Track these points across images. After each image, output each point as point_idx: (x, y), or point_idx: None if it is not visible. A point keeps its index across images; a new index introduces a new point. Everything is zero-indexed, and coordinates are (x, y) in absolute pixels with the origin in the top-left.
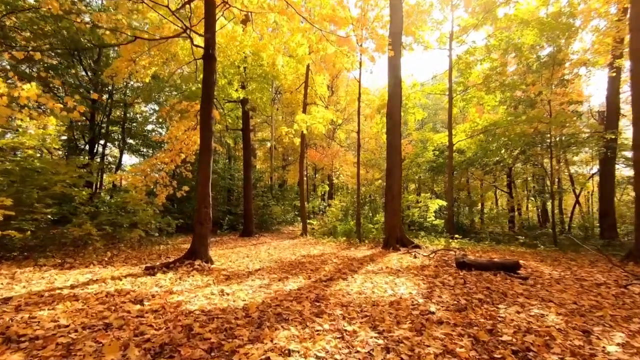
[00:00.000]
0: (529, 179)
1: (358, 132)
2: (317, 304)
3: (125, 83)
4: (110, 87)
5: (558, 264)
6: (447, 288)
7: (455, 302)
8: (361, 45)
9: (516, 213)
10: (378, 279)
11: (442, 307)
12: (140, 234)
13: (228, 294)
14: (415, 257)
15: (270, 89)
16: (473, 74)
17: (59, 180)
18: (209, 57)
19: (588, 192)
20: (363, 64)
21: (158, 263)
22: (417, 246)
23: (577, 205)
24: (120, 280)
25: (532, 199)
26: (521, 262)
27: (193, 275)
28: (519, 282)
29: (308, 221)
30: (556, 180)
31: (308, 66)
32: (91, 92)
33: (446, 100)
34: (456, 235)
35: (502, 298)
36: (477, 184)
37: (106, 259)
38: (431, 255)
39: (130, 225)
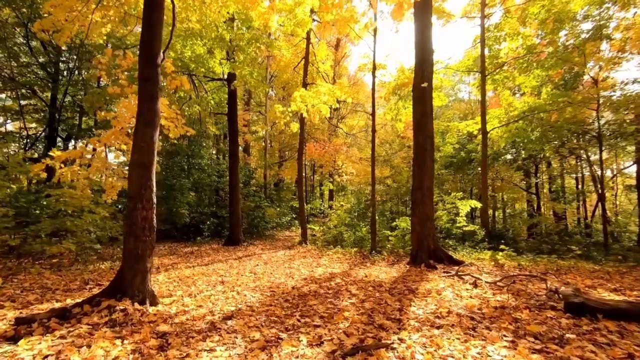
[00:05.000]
0: (544, 178)
1: (373, 114)
2: None
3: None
4: (73, 64)
5: None
6: None
7: None
8: None
9: (547, 216)
10: (453, 346)
11: None
12: (69, 247)
13: None
14: (475, 285)
15: (266, 74)
16: (502, 52)
17: None
18: None
19: (612, 194)
20: (378, 31)
21: (48, 309)
22: (465, 264)
23: (597, 208)
24: None
25: (553, 201)
26: None
27: (97, 340)
28: None
29: (308, 225)
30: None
31: (309, 37)
32: (48, 69)
33: (473, 81)
34: (502, 247)
35: None
36: (497, 183)
37: None
38: (500, 283)
39: (52, 233)
